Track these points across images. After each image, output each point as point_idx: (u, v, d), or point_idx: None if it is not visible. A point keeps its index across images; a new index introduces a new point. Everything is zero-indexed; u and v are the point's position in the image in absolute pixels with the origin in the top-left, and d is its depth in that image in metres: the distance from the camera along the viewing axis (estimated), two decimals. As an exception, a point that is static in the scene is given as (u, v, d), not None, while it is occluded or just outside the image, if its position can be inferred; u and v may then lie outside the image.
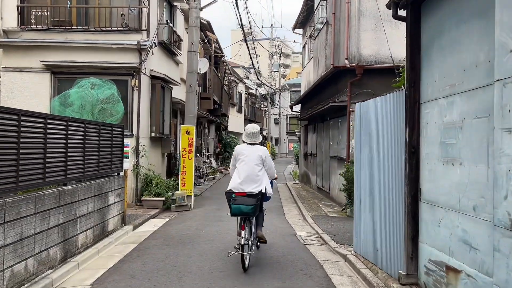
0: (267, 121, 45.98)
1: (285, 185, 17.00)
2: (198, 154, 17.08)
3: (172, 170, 13.81)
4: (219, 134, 25.50)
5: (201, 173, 15.96)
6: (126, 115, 10.33)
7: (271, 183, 5.91)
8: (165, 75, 11.29)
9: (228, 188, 5.54)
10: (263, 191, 5.48)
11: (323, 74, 10.99)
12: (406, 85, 4.59)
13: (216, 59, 21.92)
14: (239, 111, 33.25)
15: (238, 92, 32.54)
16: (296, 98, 51.27)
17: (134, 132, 10.28)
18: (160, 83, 11.27)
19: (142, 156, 10.31)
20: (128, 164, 10.26)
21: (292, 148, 52.67)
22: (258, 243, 6.12)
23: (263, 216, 5.99)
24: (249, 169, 5.49)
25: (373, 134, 5.43)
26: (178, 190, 10.65)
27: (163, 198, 10.09)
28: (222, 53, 21.29)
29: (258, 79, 28.00)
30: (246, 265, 5.29)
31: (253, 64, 23.51)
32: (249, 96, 38.04)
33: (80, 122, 5.94)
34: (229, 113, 26.72)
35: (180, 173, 10.57)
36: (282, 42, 44.49)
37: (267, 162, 5.70)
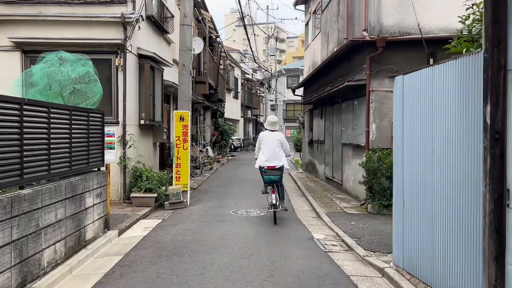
0: (263, 107, 44.60)
1: (288, 175, 15.76)
2: (193, 143, 15.77)
3: (166, 161, 12.51)
4: (215, 121, 24.16)
5: (197, 163, 14.67)
6: (110, 100, 9.00)
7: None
8: (154, 53, 9.91)
9: (257, 166, 7.53)
10: (282, 166, 7.39)
11: (335, 49, 9.67)
12: (485, 45, 3.29)
13: (211, 40, 20.46)
14: (235, 96, 31.87)
15: (234, 77, 31.11)
16: (293, 83, 49.85)
17: (120, 119, 8.95)
18: (149, 63, 9.89)
19: (130, 146, 9.00)
20: (113, 156, 8.97)
21: (289, 135, 51.42)
22: (281, 210, 7.36)
23: (283, 190, 7.87)
24: (272, 150, 7.36)
25: (425, 115, 4.14)
26: (172, 184, 9.37)
27: (155, 195, 8.82)
28: (217, 33, 19.82)
29: (255, 61, 26.57)
30: (276, 219, 7.25)
31: (249, 45, 22.10)
32: (246, 82, 36.62)
33: (42, 106, 4.61)
34: (225, 99, 25.36)
35: (174, 165, 9.27)
36: (281, 19, 42.90)
37: (284, 144, 7.55)
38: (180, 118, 9.17)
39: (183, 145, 9.19)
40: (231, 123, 25.29)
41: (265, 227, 7.04)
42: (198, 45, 14.23)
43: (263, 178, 7.40)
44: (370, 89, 8.24)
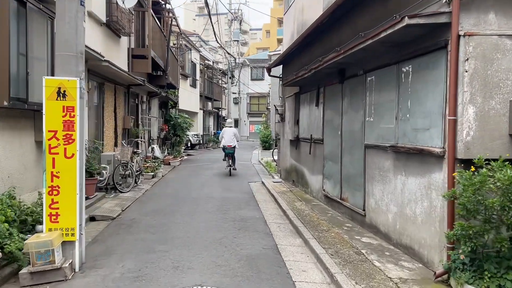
0: (226, 99, 39.98)
1: (262, 185, 11.30)
2: (123, 141, 10.96)
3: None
4: (165, 113, 19.29)
5: (129, 171, 9.89)
6: None
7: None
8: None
9: (221, 145, 13.45)
10: (235, 145, 13.23)
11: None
12: None
13: (157, 7, 15.62)
14: (193, 85, 26.98)
15: (192, 61, 26.23)
16: (257, 75, 45.76)
17: None
18: (10, -11, 5.11)
19: None
20: None
21: (253, 130, 47.43)
22: (233, 169, 13.37)
23: (235, 158, 13.47)
24: (229, 137, 13.24)
25: None
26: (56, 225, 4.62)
27: (-4, 257, 4.09)
28: (166, -8, 14.98)
29: (218, 42, 21.86)
30: (230, 173, 13.15)
31: (210, 18, 17.38)
32: (206, 69, 31.72)
33: None
34: (179, 86, 20.50)
35: (44, 190, 4.51)
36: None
37: (236, 135, 13.46)
38: (59, 93, 4.43)
39: (65, 149, 4.47)
40: (186, 116, 20.45)
41: None
42: (129, -4, 9.40)
43: (224, 152, 13.38)
44: (461, 32, 3.88)
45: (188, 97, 25.28)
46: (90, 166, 8.15)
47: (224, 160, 13.62)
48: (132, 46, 12.76)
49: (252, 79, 44.76)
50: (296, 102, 10.19)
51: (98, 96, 9.92)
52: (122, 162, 9.64)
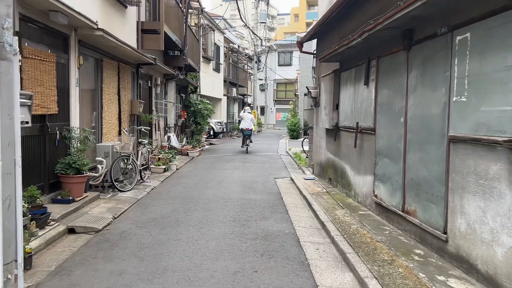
0: (252, 85, 38.05)
1: (291, 183, 9.45)
2: (125, 130, 9.27)
3: (52, 172, 6.06)
4: (185, 98, 17.60)
5: (131, 165, 8.22)
6: None
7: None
8: None
9: (241, 127, 16.45)
10: (252, 128, 16.17)
11: None
12: None
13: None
14: (216, 69, 25.19)
15: (215, 43, 24.39)
16: (285, 60, 43.53)
17: None
18: None
19: None
20: None
21: (280, 118, 45.58)
22: (248, 148, 16.17)
23: (251, 139, 16.36)
24: (247, 122, 16.05)
25: None
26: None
27: None
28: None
29: (242, 20, 19.91)
30: (247, 151, 16.02)
31: (238, 6, 15.45)
32: (230, 53, 29.86)
33: None
34: (200, 69, 18.76)
35: None
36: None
37: (253, 120, 16.37)
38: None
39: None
40: (208, 102, 18.67)
41: None
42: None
43: (243, 133, 16.17)
44: None
45: (210, 82, 23.55)
46: (77, 161, 6.52)
47: (241, 146, 16.52)
48: (142, 19, 11.05)
49: (279, 65, 42.75)
50: (336, 82, 8.21)
51: (95, 75, 8.26)
52: (123, 154, 7.98)
